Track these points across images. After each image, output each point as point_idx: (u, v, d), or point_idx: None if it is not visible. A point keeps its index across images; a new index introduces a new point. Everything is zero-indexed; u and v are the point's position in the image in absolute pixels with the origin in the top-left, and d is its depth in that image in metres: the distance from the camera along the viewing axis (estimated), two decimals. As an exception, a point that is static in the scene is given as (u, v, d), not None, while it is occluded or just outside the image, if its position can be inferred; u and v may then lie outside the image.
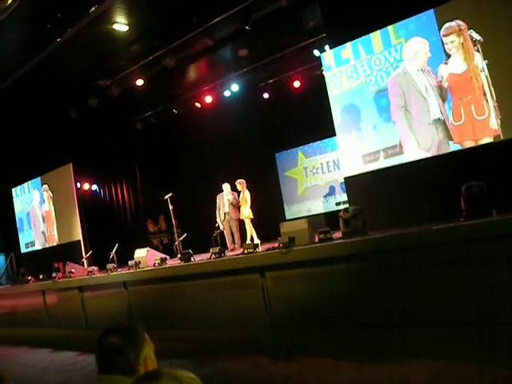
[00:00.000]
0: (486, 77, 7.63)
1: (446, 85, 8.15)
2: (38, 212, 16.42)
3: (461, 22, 7.89)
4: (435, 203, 7.41)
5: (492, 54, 7.58)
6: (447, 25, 8.02)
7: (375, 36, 8.92)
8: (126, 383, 1.66)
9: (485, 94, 7.69)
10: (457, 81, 8.02)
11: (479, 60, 7.73)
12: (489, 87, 7.66)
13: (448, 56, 8.07)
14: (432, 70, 8.27)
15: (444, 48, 8.11)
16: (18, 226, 17.24)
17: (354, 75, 9.23)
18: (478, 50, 7.73)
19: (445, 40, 8.08)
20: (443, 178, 7.60)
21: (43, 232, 16.20)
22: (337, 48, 9.33)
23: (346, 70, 9.29)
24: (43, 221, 16.24)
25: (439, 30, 8.11)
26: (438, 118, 8.14)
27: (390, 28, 8.68)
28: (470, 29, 7.79)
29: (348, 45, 9.21)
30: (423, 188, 7.75)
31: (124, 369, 1.83)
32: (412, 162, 8.16)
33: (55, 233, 15.63)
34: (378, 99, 8.91)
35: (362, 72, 9.14)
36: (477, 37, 7.74)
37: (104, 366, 1.88)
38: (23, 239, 17.12)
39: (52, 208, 15.73)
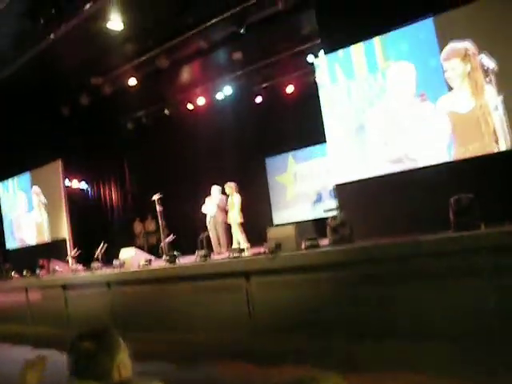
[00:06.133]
0: (501, 118, 6.18)
1: (445, 126, 6.72)
2: (23, 222, 15.73)
3: (470, 45, 6.45)
4: (426, 214, 7.31)
5: (510, 87, 6.09)
6: (451, 45, 6.64)
7: (358, 53, 7.48)
8: (97, 389, 1.63)
9: (497, 142, 6.28)
10: (460, 122, 6.57)
11: (492, 95, 6.25)
12: (503, 132, 6.16)
13: (449, 87, 6.66)
14: (430, 104, 6.90)
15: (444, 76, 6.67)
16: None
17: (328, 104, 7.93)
18: (490, 82, 6.27)
19: (445, 66, 6.68)
20: (433, 188, 7.31)
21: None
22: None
23: (322, 95, 8.06)
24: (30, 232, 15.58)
25: (440, 51, 6.75)
26: None
27: (376, 44, 7.39)
28: (481, 52, 6.37)
29: (324, 64, 8.02)
30: (414, 198, 7.62)
31: (97, 375, 1.79)
32: (403, 172, 7.75)
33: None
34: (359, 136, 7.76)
35: (338, 101, 7.68)
36: (490, 64, 6.24)
37: (76, 371, 1.84)
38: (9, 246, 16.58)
39: (45, 217, 15.10)
